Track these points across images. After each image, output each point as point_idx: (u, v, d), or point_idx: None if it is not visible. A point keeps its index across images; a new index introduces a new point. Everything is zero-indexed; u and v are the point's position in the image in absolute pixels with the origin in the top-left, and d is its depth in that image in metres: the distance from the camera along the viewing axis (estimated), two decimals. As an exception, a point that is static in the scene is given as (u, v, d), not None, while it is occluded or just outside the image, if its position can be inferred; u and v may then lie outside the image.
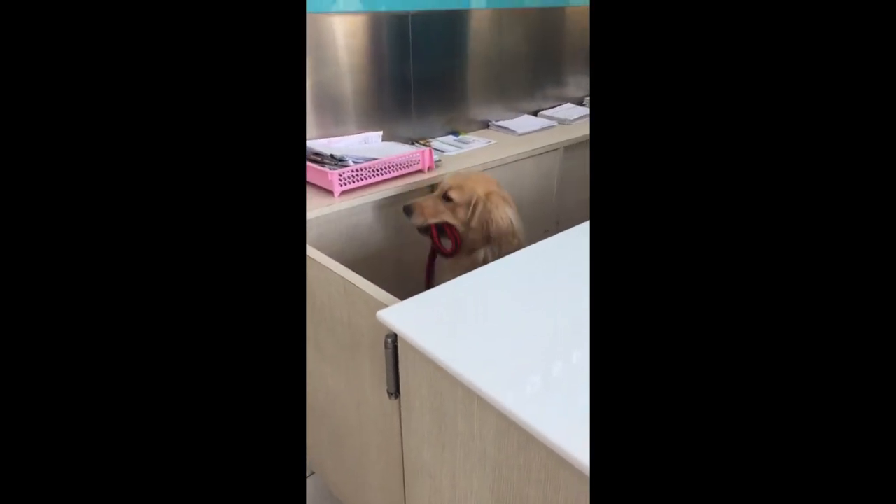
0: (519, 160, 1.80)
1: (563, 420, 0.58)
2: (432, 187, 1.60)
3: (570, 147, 1.96)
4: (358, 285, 0.92)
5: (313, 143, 1.61)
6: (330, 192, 1.41)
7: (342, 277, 0.95)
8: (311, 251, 1.05)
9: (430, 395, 0.75)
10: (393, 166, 1.53)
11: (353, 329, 0.97)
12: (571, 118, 2.20)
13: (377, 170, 1.49)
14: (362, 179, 1.46)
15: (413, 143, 1.89)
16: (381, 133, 1.80)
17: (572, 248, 1.00)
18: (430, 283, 1.37)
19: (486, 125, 2.14)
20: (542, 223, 1.95)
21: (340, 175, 1.41)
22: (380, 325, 0.80)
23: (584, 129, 2.07)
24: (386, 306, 0.81)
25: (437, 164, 1.64)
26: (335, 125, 1.71)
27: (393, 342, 0.80)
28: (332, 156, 1.50)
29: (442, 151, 1.81)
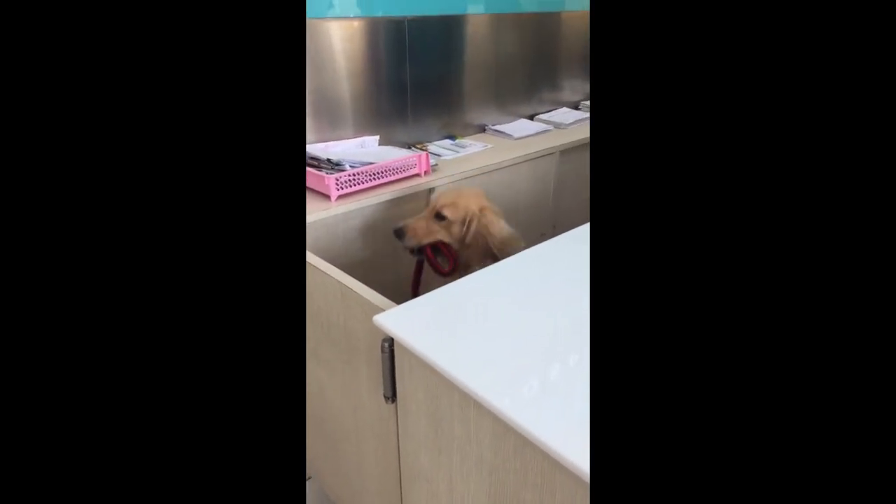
0: (515, 164, 1.81)
1: (560, 424, 0.58)
2: (430, 190, 1.60)
3: (566, 151, 1.96)
4: (354, 289, 0.92)
5: (310, 148, 1.61)
6: (327, 197, 1.41)
7: (339, 282, 0.95)
8: (307, 256, 1.05)
9: (427, 400, 0.75)
10: (389, 170, 1.53)
11: (350, 333, 0.97)
12: (567, 122, 2.21)
13: (374, 174, 1.49)
14: (359, 184, 1.46)
15: (410, 148, 1.89)
16: (377, 137, 1.80)
17: (569, 251, 1.00)
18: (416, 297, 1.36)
19: (482, 129, 2.15)
20: (538, 227, 1.96)
21: (337, 179, 1.41)
22: (376, 330, 0.80)
23: (579, 133, 2.07)
24: (382, 310, 0.81)
25: (433, 169, 1.65)
26: (332, 129, 1.71)
27: (389, 346, 0.80)
28: (328, 160, 1.50)
29: (438, 156, 1.81)
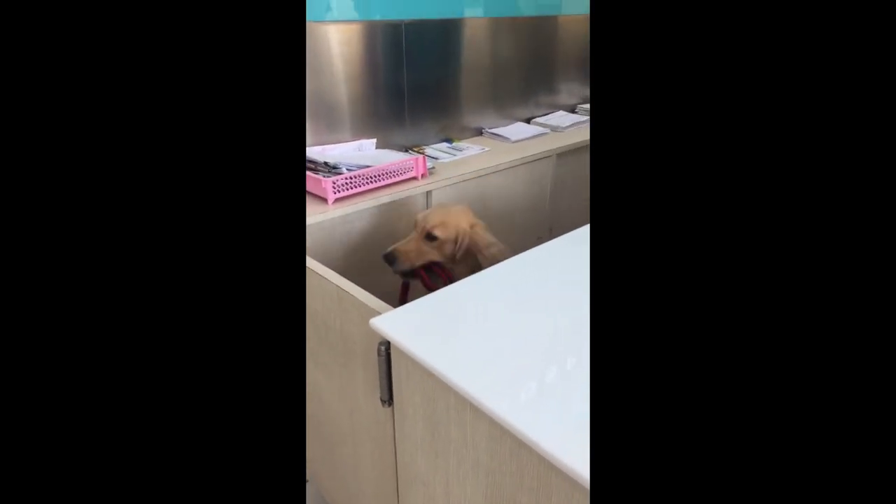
0: (512, 167, 1.81)
1: (556, 427, 0.58)
2: (427, 193, 1.60)
3: (562, 154, 1.97)
4: (351, 293, 0.92)
5: (307, 151, 1.61)
6: (324, 200, 1.42)
7: (335, 285, 0.95)
8: (304, 259, 1.05)
9: (424, 403, 0.75)
10: (387, 173, 1.53)
11: (347, 337, 0.97)
12: (564, 125, 2.22)
13: (371, 177, 1.50)
14: (356, 187, 1.47)
15: (407, 151, 1.89)
16: (374, 140, 1.80)
17: (566, 255, 1.00)
18: None
19: (479, 132, 2.15)
20: (535, 230, 1.96)
21: (334, 182, 1.41)
22: (373, 333, 0.80)
23: (576, 137, 2.08)
24: (379, 314, 0.81)
25: (430, 172, 1.65)
26: (329, 133, 1.72)
27: (386, 350, 0.80)
28: (325, 163, 1.50)
29: (436, 159, 1.82)
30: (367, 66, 1.75)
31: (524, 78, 2.27)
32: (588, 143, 2.04)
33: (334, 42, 1.64)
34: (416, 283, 1.32)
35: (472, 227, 1.26)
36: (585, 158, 2.06)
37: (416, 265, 1.27)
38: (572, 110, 2.50)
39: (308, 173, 1.46)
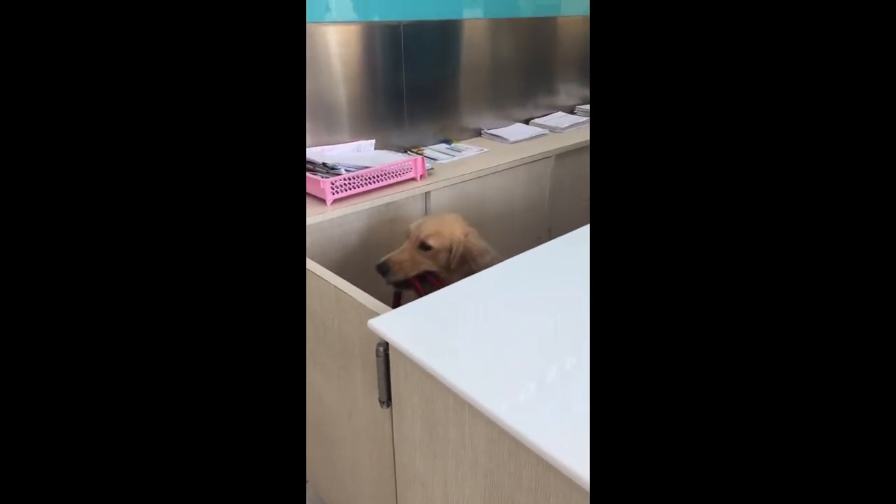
0: (511, 168, 1.81)
1: (553, 428, 0.58)
2: (426, 194, 1.60)
3: (561, 155, 1.97)
4: (349, 293, 0.92)
5: (306, 152, 1.61)
6: (322, 201, 1.41)
7: (334, 286, 0.95)
8: (303, 259, 1.05)
9: (422, 404, 0.75)
10: (385, 174, 1.53)
11: (345, 338, 0.97)
12: (563, 126, 2.22)
13: (369, 178, 1.50)
14: (354, 188, 1.47)
15: (405, 152, 1.89)
16: (373, 141, 1.80)
17: (564, 255, 1.00)
18: None
19: (478, 133, 2.15)
20: (534, 231, 1.96)
21: (333, 183, 1.41)
22: (371, 334, 0.80)
23: (575, 138, 2.08)
24: (377, 315, 0.81)
25: (429, 173, 1.65)
26: (328, 133, 1.72)
27: (384, 350, 0.80)
28: (324, 164, 1.50)
29: (434, 160, 1.82)
30: (366, 67, 1.75)
31: (523, 79, 2.27)
32: (586, 143, 2.04)
33: (333, 43, 1.64)
34: (408, 294, 1.31)
35: (465, 235, 1.26)
36: (584, 159, 2.06)
37: (410, 275, 1.27)
38: (571, 111, 2.50)
39: (307, 174, 1.46)
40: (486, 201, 1.78)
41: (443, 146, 1.99)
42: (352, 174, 1.46)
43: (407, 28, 1.79)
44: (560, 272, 0.94)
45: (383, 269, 1.25)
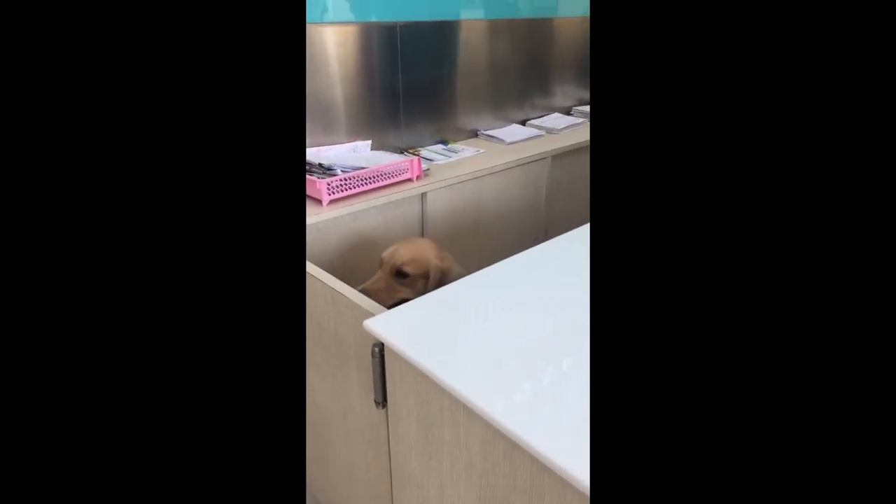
0: (507, 169, 1.81)
1: (548, 428, 0.58)
2: (422, 195, 1.60)
3: (557, 156, 1.97)
4: (345, 294, 0.92)
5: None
6: (318, 202, 1.41)
7: (329, 287, 0.95)
8: (298, 260, 1.05)
9: (417, 404, 0.75)
10: (381, 175, 1.53)
11: (340, 338, 0.97)
12: (559, 127, 2.22)
13: (366, 179, 1.49)
14: (351, 188, 1.46)
15: (402, 153, 1.89)
16: (370, 142, 1.80)
17: (561, 256, 1.01)
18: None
19: (474, 134, 2.15)
20: (530, 232, 1.97)
21: (329, 184, 1.41)
22: (366, 335, 0.80)
23: (571, 139, 2.09)
24: (373, 315, 0.81)
25: (425, 173, 1.65)
26: (324, 134, 1.72)
27: (380, 351, 0.80)
28: (320, 164, 1.50)
29: (431, 160, 1.82)
30: (363, 68, 1.75)
31: (519, 80, 2.27)
32: (583, 144, 2.04)
33: (330, 43, 1.64)
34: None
35: (441, 260, 1.24)
36: (581, 160, 2.07)
37: (387, 305, 1.26)
38: (567, 112, 2.50)
39: (303, 175, 1.46)
40: (482, 202, 1.78)
41: (439, 147, 1.99)
42: (348, 175, 1.45)
43: (404, 29, 1.80)
44: (557, 273, 0.94)
45: None
